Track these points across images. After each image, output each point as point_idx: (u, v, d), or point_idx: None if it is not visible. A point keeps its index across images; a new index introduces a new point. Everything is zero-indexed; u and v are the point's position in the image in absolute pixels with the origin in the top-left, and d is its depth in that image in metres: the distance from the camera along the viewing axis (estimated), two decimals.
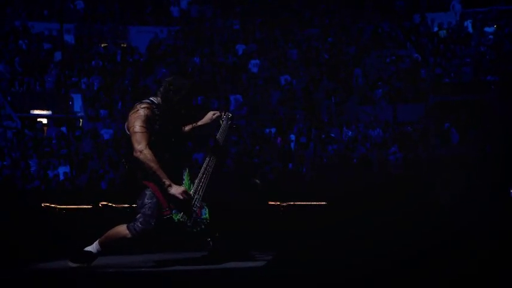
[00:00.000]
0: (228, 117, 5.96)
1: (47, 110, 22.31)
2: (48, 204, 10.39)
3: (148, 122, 5.39)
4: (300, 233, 7.52)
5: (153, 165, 5.32)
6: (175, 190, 5.37)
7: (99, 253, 5.49)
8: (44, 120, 22.35)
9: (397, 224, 7.30)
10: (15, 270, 5.49)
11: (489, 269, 4.22)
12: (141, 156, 5.31)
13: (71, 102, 21.07)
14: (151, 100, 5.53)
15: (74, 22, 25.02)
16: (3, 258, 5.90)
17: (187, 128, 5.90)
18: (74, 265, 5.44)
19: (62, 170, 17.84)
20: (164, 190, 5.37)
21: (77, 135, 19.79)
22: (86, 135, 19.99)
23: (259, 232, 7.18)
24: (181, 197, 5.36)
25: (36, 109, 22.28)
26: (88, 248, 5.49)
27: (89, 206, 10.43)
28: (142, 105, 5.45)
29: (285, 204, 10.35)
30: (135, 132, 5.35)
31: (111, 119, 21.34)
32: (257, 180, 14.87)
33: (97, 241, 5.51)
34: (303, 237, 7.12)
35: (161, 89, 5.58)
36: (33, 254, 6.11)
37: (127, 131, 5.46)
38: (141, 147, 5.32)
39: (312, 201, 10.41)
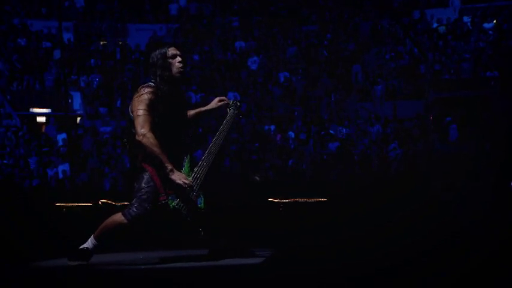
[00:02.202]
0: (237, 106, 5.94)
1: (47, 108, 22.35)
2: (50, 203, 10.39)
3: (151, 105, 5.35)
4: (300, 230, 7.51)
5: (156, 149, 5.27)
6: (177, 176, 5.34)
7: (95, 247, 5.47)
8: (43, 119, 22.37)
9: (398, 221, 7.29)
10: (15, 269, 5.48)
11: (491, 267, 4.21)
12: (144, 140, 5.27)
13: (70, 100, 21.08)
14: (151, 84, 5.50)
15: (72, 20, 25.03)
16: (3, 257, 5.90)
17: (192, 112, 5.89)
18: (73, 263, 5.43)
19: (61, 168, 17.86)
20: (163, 175, 5.34)
21: (79, 133, 19.80)
22: (85, 133, 20.00)
23: (259, 229, 7.17)
24: (181, 184, 5.33)
25: (36, 107, 22.31)
26: (83, 246, 5.47)
27: (89, 204, 10.43)
28: (147, 89, 5.40)
29: (284, 201, 10.35)
30: (138, 115, 5.30)
31: (110, 116, 21.35)
32: (257, 177, 14.87)
33: (92, 236, 5.49)
34: (303, 234, 7.11)
35: (151, 72, 5.54)
36: (33, 253, 6.10)
37: (130, 114, 5.42)
38: (143, 131, 5.27)
39: (312, 198, 10.40)
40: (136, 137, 5.30)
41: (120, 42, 25.41)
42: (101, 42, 25.09)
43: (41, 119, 22.45)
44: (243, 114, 6.21)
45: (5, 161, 17.99)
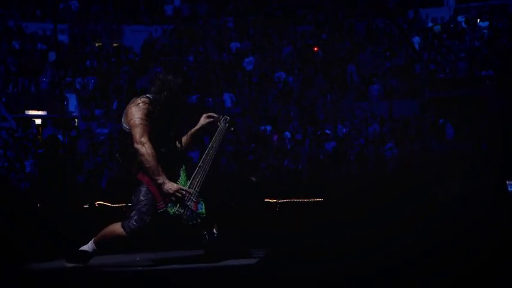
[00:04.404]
0: (226, 120, 5.89)
1: (42, 110, 22.26)
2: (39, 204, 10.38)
3: (149, 115, 5.34)
4: (297, 230, 7.50)
5: (151, 159, 5.24)
6: (169, 188, 5.32)
7: (94, 252, 5.46)
8: (39, 121, 22.31)
9: (395, 221, 7.29)
10: (13, 270, 5.47)
11: (491, 267, 4.21)
12: (142, 149, 5.24)
13: (65, 103, 21.01)
14: (147, 96, 5.48)
15: (67, 22, 24.97)
16: (3, 258, 5.89)
17: (186, 138, 5.79)
18: (70, 265, 5.41)
19: None
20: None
21: (72, 135, 19.74)
22: (81, 136, 19.95)
23: (256, 230, 7.16)
24: (176, 194, 5.30)
25: (31, 110, 22.22)
26: (83, 248, 5.46)
27: (86, 206, 10.42)
28: (142, 99, 5.41)
29: (281, 201, 10.35)
30: (137, 124, 5.28)
31: (106, 118, 21.30)
32: (253, 178, 14.85)
33: (92, 240, 5.47)
34: (300, 234, 7.10)
35: (154, 86, 5.51)
36: (30, 254, 6.08)
37: (124, 125, 5.39)
38: (143, 140, 5.25)
39: (308, 198, 10.40)
40: (135, 145, 5.27)
41: (115, 44, 25.37)
42: (96, 44, 25.04)
43: (37, 122, 22.38)
44: (235, 128, 6.15)
45: None
